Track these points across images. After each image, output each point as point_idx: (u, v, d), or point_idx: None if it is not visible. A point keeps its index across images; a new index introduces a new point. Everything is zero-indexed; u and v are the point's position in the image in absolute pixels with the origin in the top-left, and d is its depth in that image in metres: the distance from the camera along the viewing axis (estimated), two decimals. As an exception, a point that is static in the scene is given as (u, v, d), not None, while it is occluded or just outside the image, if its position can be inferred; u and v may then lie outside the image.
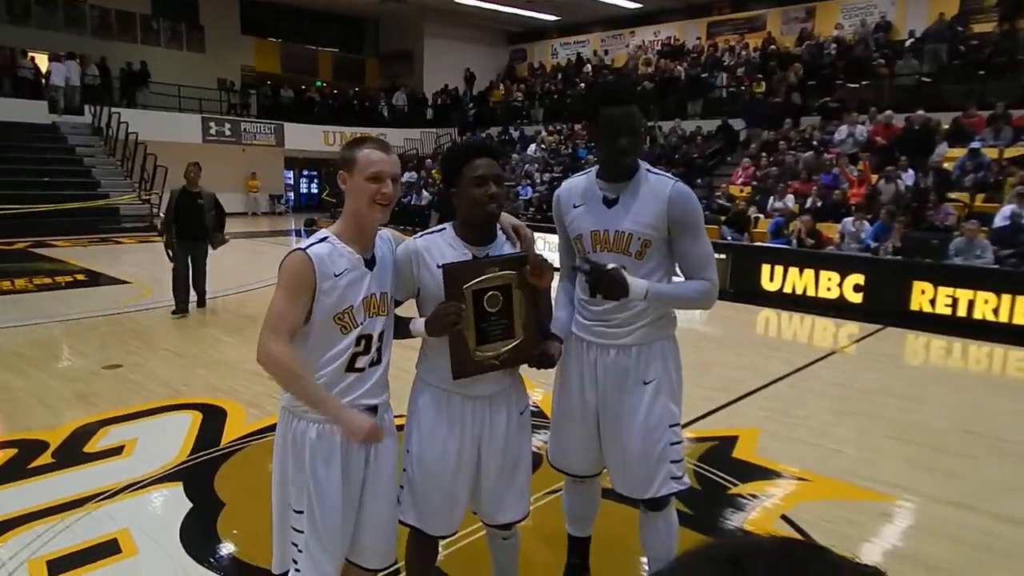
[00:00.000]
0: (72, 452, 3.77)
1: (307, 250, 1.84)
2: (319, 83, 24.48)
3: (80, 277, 9.64)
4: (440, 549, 2.37)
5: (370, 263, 1.91)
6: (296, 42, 24.29)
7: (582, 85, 19.32)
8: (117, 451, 3.81)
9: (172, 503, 3.25)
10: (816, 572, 0.42)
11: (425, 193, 17.01)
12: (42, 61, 17.90)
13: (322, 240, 1.88)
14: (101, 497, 3.26)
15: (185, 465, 3.66)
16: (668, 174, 2.22)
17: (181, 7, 21.26)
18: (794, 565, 0.42)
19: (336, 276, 1.84)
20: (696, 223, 2.16)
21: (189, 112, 19.51)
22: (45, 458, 3.71)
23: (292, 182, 24.31)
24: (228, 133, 19.83)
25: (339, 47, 25.40)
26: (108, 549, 2.82)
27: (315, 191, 24.84)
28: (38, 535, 2.91)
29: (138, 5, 20.52)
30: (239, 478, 3.54)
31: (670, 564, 0.45)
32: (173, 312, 7.20)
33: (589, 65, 20.77)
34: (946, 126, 11.57)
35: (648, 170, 2.20)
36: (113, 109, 17.31)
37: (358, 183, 1.85)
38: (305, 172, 24.87)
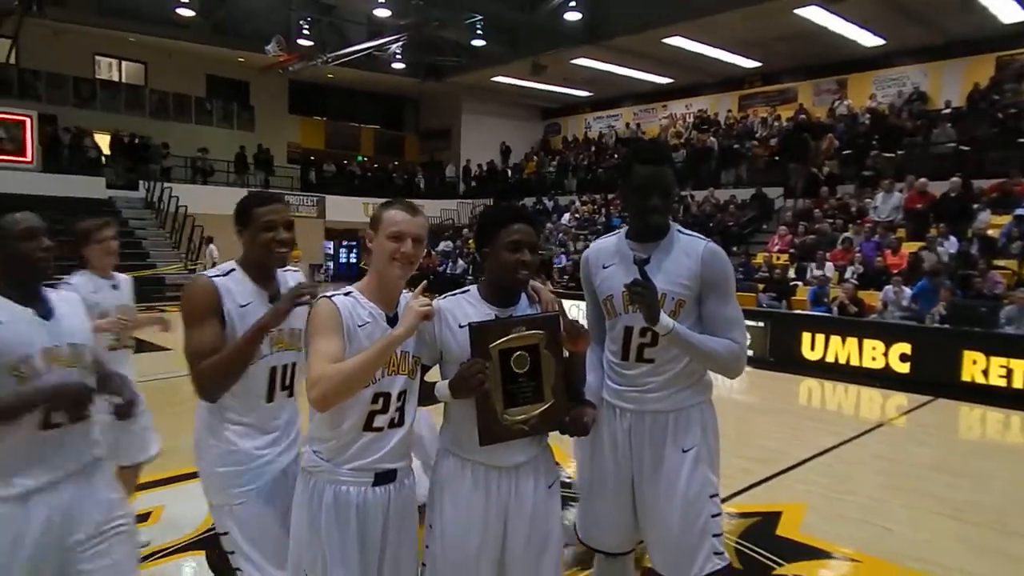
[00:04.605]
0: (101, 518, 3.76)
1: (331, 298, 1.86)
2: (360, 158, 25.42)
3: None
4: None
5: (392, 320, 1.91)
6: (340, 120, 25.42)
7: (615, 157, 19.66)
8: (143, 518, 3.78)
9: (195, 573, 3.19)
10: None
11: (461, 262, 17.23)
12: (103, 141, 19.02)
13: (346, 294, 1.90)
14: (125, 565, 3.21)
15: (209, 533, 3.60)
16: (700, 235, 2.20)
17: (234, 89, 22.55)
18: None
19: (359, 327, 1.85)
20: (728, 285, 2.13)
21: (238, 187, 20.37)
22: (74, 524, 3.70)
23: (332, 252, 24.90)
24: (272, 206, 20.51)
25: (381, 124, 26.49)
26: (127, 620, 2.76)
27: (354, 260, 25.38)
28: (60, 603, 2.86)
29: (194, 88, 21.81)
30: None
31: None
32: None
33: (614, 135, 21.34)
34: (988, 194, 11.35)
35: (679, 230, 2.18)
36: (165, 184, 18.19)
37: (381, 241, 1.88)
38: (344, 242, 25.49)
